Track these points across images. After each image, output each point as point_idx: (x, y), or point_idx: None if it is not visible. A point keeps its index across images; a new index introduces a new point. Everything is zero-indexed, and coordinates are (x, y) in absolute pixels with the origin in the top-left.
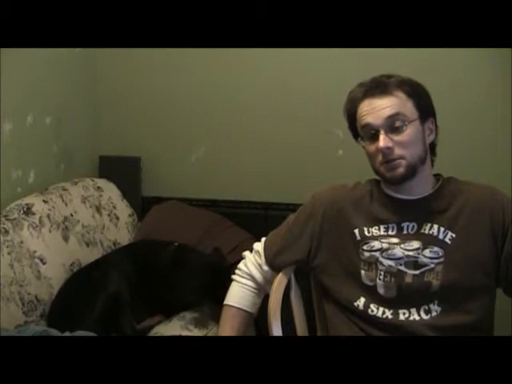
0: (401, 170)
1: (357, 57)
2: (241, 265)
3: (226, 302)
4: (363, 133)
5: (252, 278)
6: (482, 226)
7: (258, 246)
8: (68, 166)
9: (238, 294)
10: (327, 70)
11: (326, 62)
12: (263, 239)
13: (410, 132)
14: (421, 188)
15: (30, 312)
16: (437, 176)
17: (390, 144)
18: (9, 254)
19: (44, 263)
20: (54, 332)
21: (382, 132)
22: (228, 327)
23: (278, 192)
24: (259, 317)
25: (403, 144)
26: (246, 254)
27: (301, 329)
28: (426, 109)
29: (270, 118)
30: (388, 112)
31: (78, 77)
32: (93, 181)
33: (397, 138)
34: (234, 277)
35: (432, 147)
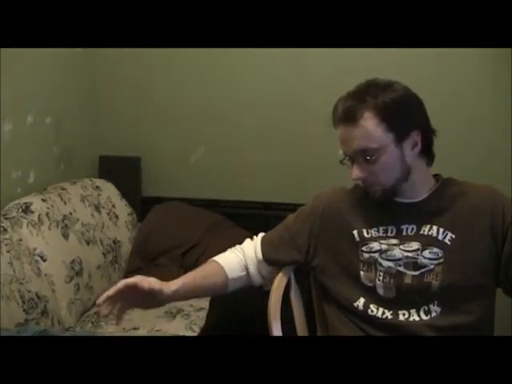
0: (378, 194)
1: (357, 57)
2: (238, 245)
3: (211, 259)
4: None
5: (243, 254)
6: (481, 227)
7: (258, 237)
8: (68, 166)
9: (227, 256)
10: (327, 69)
11: (327, 61)
12: (261, 234)
13: (383, 160)
14: (417, 192)
15: (31, 310)
16: (436, 176)
17: (361, 175)
18: (8, 252)
19: (44, 260)
20: (54, 332)
21: (355, 162)
22: (200, 270)
23: (278, 192)
24: (259, 317)
25: (376, 173)
26: (247, 240)
27: (301, 329)
28: (405, 126)
29: (270, 119)
30: (356, 145)
31: (78, 77)
32: (91, 180)
33: (370, 167)
34: (228, 250)
35: (425, 150)
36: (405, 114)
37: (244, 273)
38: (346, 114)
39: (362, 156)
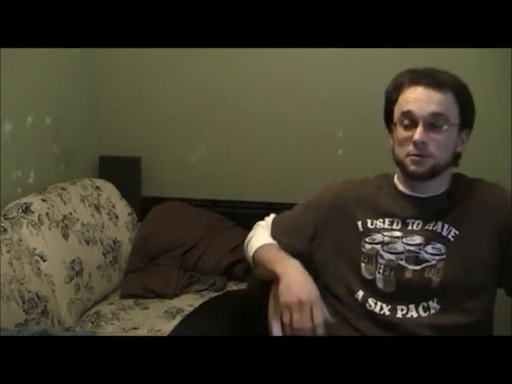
0: (426, 167)
1: (357, 57)
2: (261, 221)
3: (259, 245)
4: (401, 118)
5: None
6: (487, 225)
7: (269, 219)
8: (68, 166)
9: (267, 236)
10: (327, 70)
11: (326, 62)
12: (272, 215)
13: (447, 135)
14: (434, 189)
15: (31, 310)
16: None
17: (426, 139)
18: (8, 252)
19: (44, 260)
20: (54, 332)
21: (420, 124)
22: (276, 249)
23: (278, 192)
24: (259, 317)
25: (438, 143)
26: (260, 222)
27: None
28: (467, 118)
29: (270, 119)
30: (434, 107)
31: (78, 77)
32: (91, 180)
33: (434, 135)
34: (256, 226)
35: (456, 157)
36: (470, 107)
37: None
38: (434, 77)
39: (434, 120)
